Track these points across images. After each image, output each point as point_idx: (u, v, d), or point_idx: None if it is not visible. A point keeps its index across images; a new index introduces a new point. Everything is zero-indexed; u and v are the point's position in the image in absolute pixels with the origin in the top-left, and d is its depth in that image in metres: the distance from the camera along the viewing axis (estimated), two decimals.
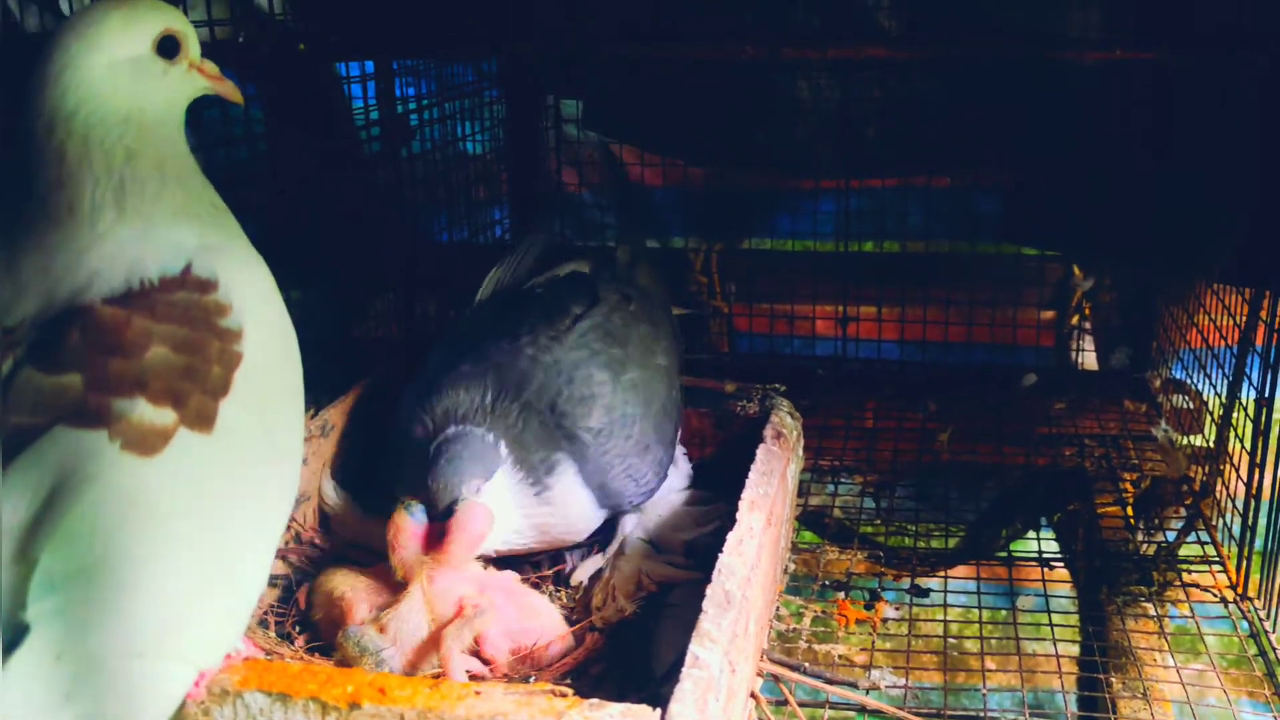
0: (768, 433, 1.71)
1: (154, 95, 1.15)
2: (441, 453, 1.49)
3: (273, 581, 1.57)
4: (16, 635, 0.92)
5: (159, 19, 1.17)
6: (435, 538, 1.46)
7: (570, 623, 1.53)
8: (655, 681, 1.34)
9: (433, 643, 1.40)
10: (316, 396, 1.77)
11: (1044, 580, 1.81)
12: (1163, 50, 1.89)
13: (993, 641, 1.66)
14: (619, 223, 2.64)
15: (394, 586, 1.47)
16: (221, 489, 1.06)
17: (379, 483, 1.65)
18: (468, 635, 1.40)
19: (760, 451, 1.64)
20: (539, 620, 1.49)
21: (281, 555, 1.62)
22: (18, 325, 1.05)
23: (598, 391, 1.62)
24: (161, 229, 1.12)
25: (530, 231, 2.61)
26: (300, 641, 1.48)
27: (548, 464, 1.56)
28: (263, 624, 1.49)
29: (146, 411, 1.01)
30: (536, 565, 1.68)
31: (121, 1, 1.16)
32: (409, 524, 1.46)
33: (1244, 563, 1.78)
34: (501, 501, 1.51)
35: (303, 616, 1.53)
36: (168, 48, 1.17)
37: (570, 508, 1.59)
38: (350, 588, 1.48)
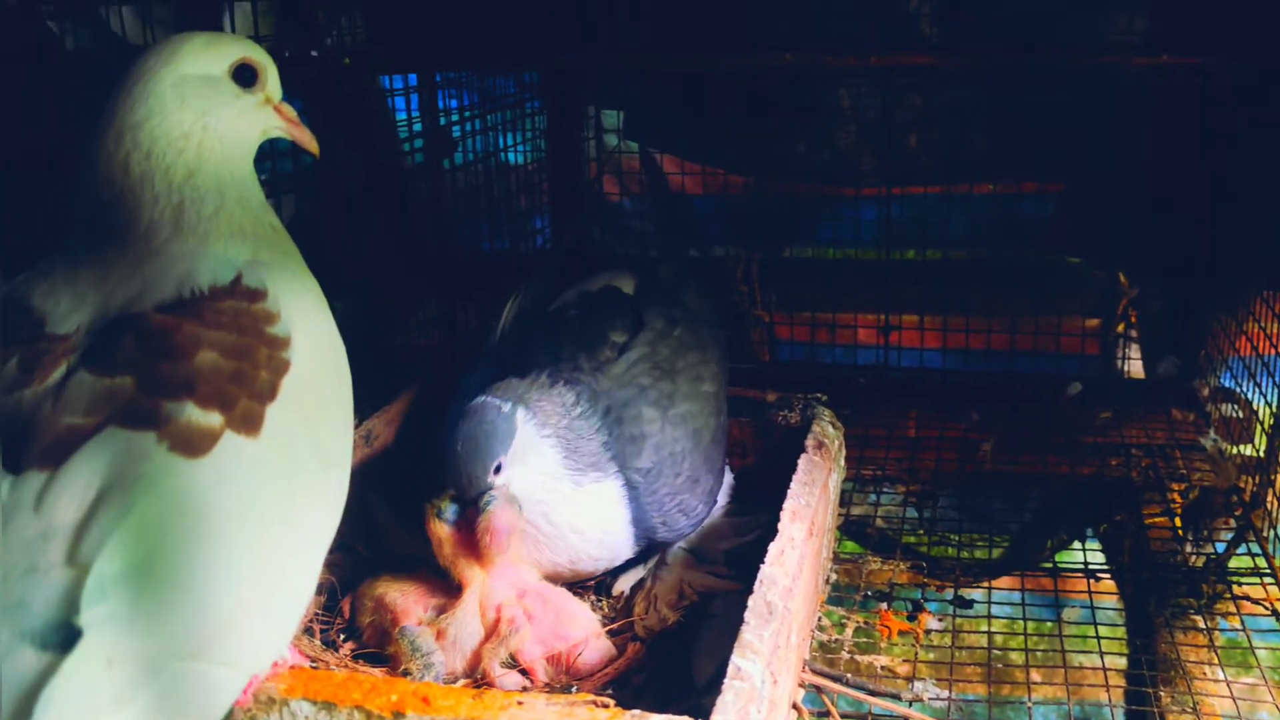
0: (809, 442, 1.70)
1: (222, 115, 1.18)
2: (455, 436, 1.44)
3: (317, 589, 1.58)
4: (69, 639, 0.93)
5: (239, 47, 1.21)
6: (471, 535, 1.44)
7: (612, 633, 1.53)
8: (697, 692, 1.34)
9: (480, 650, 1.43)
10: (360, 406, 1.78)
11: (1090, 592, 1.79)
12: (1209, 58, 1.86)
13: (1038, 653, 1.64)
14: (659, 232, 2.64)
15: (443, 590, 1.49)
16: (269, 493, 1.07)
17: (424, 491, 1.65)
18: (504, 652, 1.42)
19: (802, 461, 1.63)
20: (576, 628, 1.49)
21: (325, 563, 1.63)
22: (73, 332, 1.09)
23: (647, 431, 1.56)
24: (216, 245, 1.15)
25: (557, 242, 2.61)
26: (345, 649, 1.49)
27: (594, 464, 1.51)
28: (308, 632, 1.50)
29: (194, 414, 1.03)
30: None
31: (208, 30, 1.21)
32: (443, 530, 1.45)
33: None
34: (527, 473, 1.46)
35: (347, 624, 1.54)
36: (245, 76, 1.21)
37: (611, 521, 1.55)
38: (400, 592, 1.50)
